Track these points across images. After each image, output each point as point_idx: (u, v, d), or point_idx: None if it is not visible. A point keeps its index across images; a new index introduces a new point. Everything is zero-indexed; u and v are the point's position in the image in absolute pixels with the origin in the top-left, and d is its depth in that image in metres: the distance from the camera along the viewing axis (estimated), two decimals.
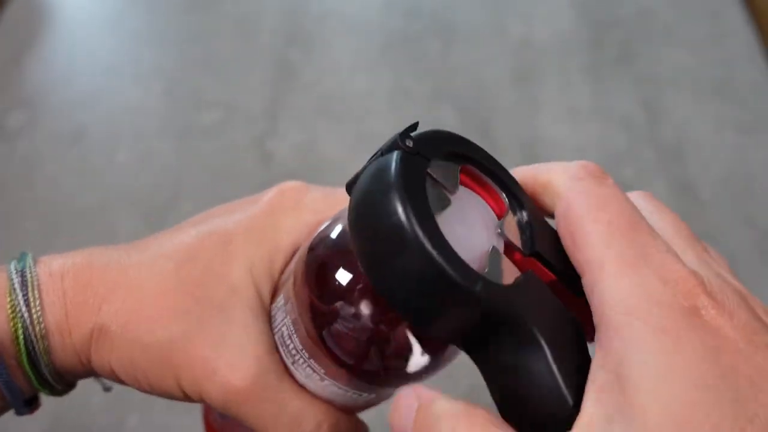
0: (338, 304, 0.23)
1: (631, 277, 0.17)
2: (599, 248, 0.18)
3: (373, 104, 0.79)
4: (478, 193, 0.22)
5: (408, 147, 0.20)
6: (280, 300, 0.26)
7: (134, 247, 0.27)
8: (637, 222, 0.19)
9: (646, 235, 0.18)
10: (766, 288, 0.63)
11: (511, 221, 0.21)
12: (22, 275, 0.24)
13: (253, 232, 0.27)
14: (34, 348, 0.24)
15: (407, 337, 0.23)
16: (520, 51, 0.86)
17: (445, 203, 0.19)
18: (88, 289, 0.25)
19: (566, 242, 0.19)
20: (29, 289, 0.24)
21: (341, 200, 0.28)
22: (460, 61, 0.84)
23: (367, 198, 0.19)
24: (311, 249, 0.25)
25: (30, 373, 0.25)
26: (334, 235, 0.24)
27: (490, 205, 0.21)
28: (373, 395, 0.27)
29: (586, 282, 0.18)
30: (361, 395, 0.26)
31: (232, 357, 0.25)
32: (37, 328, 0.24)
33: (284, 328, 0.26)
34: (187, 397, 0.26)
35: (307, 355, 0.25)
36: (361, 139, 0.74)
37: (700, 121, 0.79)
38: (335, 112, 0.76)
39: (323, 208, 0.28)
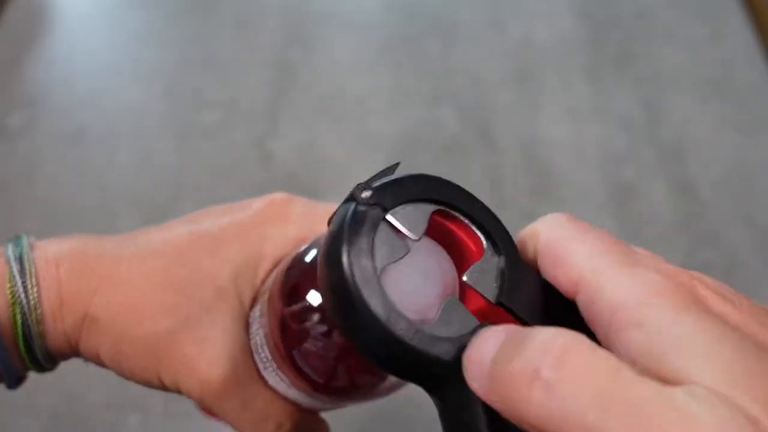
0: (307, 324, 0.24)
1: (632, 275, 0.17)
2: (592, 260, 0.18)
3: (373, 104, 0.79)
4: (456, 236, 0.22)
5: (363, 199, 0.20)
6: (257, 311, 0.27)
7: (127, 239, 0.28)
8: (617, 240, 0.19)
9: (629, 246, 0.19)
10: (766, 288, 0.64)
11: (489, 268, 0.21)
12: (21, 262, 0.26)
13: (241, 240, 0.28)
14: (30, 332, 0.25)
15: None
16: (520, 51, 0.86)
17: (398, 253, 0.20)
18: (82, 279, 0.27)
19: (550, 268, 0.19)
20: (27, 276, 0.25)
21: (321, 215, 0.29)
22: (460, 61, 0.84)
23: (325, 247, 0.20)
24: (287, 270, 0.26)
25: (24, 354, 0.26)
26: (308, 259, 0.26)
27: (467, 249, 0.21)
28: (339, 404, 0.28)
29: (585, 295, 0.18)
30: (325, 404, 0.28)
31: (212, 356, 0.26)
32: (34, 315, 0.25)
33: (257, 338, 0.27)
34: (164, 387, 0.28)
35: (275, 365, 0.26)
36: (361, 139, 0.74)
37: (700, 121, 0.79)
38: (335, 112, 0.77)
39: (306, 223, 0.29)
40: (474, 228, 0.22)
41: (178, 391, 0.28)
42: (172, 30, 0.87)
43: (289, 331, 0.25)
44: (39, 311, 0.26)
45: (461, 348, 0.18)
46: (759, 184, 0.73)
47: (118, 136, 0.75)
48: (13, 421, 0.53)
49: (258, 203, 0.30)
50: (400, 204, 0.20)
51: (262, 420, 0.28)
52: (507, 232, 0.22)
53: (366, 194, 0.20)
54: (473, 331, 0.19)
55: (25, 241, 0.27)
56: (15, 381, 0.27)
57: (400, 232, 0.20)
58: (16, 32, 0.85)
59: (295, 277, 0.26)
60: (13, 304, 0.25)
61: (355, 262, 0.18)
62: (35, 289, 0.25)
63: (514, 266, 0.21)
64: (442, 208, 0.21)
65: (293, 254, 0.27)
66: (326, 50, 0.85)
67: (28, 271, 0.26)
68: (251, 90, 0.80)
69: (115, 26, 0.88)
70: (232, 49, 0.85)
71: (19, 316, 0.25)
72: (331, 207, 0.23)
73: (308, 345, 0.25)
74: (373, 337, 0.18)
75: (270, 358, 0.27)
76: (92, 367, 0.30)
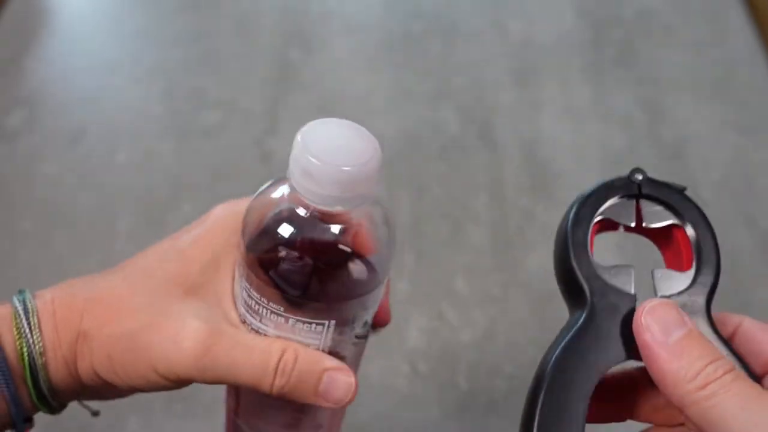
0: (280, 250, 0.28)
1: None
2: None
3: (373, 104, 0.79)
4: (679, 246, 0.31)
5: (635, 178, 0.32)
6: (237, 280, 0.31)
7: (107, 271, 0.32)
8: None
9: None
10: (766, 288, 0.63)
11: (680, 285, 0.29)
12: (24, 304, 0.29)
13: (201, 243, 0.32)
14: (34, 364, 0.28)
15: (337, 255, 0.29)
16: (521, 51, 0.86)
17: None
18: (72, 306, 0.30)
19: (745, 342, 0.29)
20: (30, 314, 0.29)
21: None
22: (461, 61, 0.84)
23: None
24: (244, 220, 0.30)
25: (31, 389, 0.29)
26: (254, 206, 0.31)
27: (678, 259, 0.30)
28: (324, 325, 0.30)
29: None
30: (312, 326, 0.29)
31: (194, 327, 0.28)
32: (37, 347, 0.28)
33: (243, 293, 0.30)
34: (165, 381, 0.29)
35: (258, 295, 0.29)
36: None
37: (701, 121, 0.79)
38: (335, 112, 0.76)
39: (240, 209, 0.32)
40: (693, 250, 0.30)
41: (178, 379, 0.29)
42: (172, 29, 0.87)
43: (266, 261, 0.28)
44: (41, 343, 0.28)
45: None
46: (759, 184, 0.73)
47: (117, 135, 0.75)
48: None
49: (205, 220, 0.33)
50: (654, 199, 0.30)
51: (266, 354, 0.29)
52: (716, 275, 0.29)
53: (638, 176, 0.31)
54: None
55: (27, 292, 0.30)
56: (23, 420, 0.29)
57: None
58: (16, 31, 0.85)
59: (254, 220, 0.30)
60: (19, 338, 0.28)
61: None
62: (36, 324, 0.29)
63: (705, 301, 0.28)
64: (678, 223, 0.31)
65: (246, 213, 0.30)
66: (326, 50, 0.85)
67: (30, 311, 0.29)
68: (251, 90, 0.80)
69: (115, 25, 0.88)
70: (232, 49, 0.85)
71: (25, 349, 0.28)
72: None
73: (284, 265, 0.28)
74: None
75: (257, 295, 0.29)
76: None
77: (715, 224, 0.31)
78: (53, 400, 0.30)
